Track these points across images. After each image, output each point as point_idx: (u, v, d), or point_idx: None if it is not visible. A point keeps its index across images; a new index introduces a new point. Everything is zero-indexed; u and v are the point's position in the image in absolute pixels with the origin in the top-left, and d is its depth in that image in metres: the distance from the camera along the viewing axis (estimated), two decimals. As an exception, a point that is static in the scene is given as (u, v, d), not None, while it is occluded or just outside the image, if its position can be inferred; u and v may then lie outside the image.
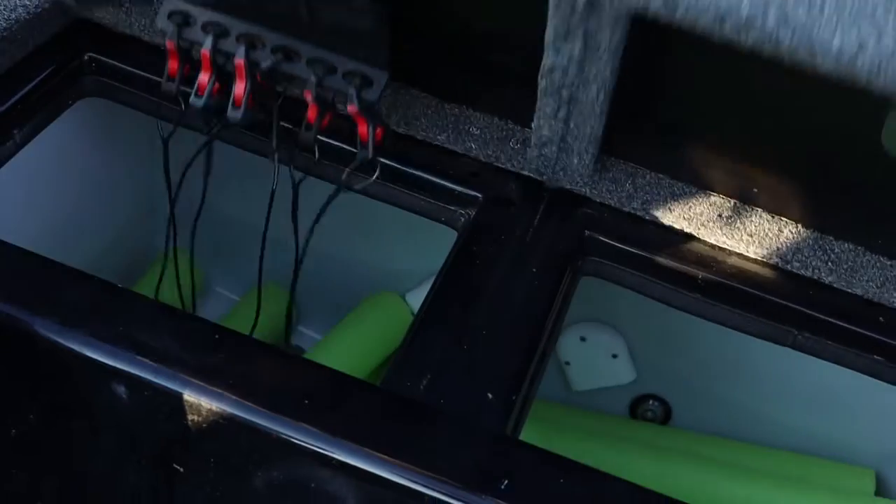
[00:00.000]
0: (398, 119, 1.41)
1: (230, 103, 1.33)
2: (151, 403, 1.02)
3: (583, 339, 1.73)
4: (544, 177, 1.39)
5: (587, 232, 1.37)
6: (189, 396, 1.00)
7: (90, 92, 1.45)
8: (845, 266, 1.36)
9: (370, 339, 1.75)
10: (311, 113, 1.34)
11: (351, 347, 1.73)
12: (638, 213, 1.40)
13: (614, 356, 1.74)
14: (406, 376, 1.14)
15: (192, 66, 1.35)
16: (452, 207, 1.38)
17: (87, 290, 1.10)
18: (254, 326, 1.63)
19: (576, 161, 1.35)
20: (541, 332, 1.23)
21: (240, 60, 1.30)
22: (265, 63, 1.32)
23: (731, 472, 1.67)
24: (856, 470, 1.69)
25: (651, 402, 1.79)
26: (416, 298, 1.79)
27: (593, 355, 1.74)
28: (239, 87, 1.31)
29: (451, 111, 1.45)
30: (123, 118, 1.52)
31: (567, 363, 1.76)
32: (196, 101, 1.33)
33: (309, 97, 1.33)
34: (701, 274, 1.36)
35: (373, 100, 1.31)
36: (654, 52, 1.28)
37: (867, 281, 1.34)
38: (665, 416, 1.80)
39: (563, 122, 1.31)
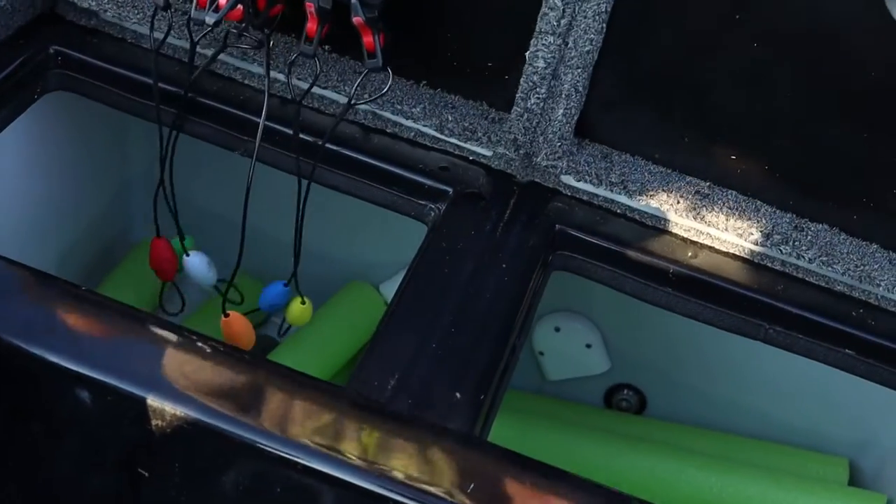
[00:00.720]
0: (371, 100, 1.39)
1: (212, 6, 1.27)
2: (115, 409, 1.02)
3: (557, 329, 1.73)
4: (521, 150, 1.37)
5: (557, 226, 1.37)
6: (153, 401, 1.00)
7: (56, 86, 1.43)
8: (820, 250, 1.35)
9: (344, 330, 1.74)
10: (311, 25, 1.30)
11: (324, 339, 1.72)
12: (608, 206, 1.39)
13: (588, 346, 1.74)
14: (373, 376, 1.13)
15: None
16: (422, 202, 1.38)
17: (49, 293, 1.09)
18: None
19: (560, 114, 1.33)
20: (510, 329, 1.22)
21: None
22: None
23: (704, 461, 1.67)
24: (829, 459, 1.69)
25: (626, 391, 1.79)
26: (390, 289, 1.78)
27: (567, 345, 1.74)
28: None
29: (426, 91, 1.43)
30: (92, 111, 1.50)
31: (541, 353, 1.76)
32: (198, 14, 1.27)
33: (311, 8, 1.28)
34: (672, 268, 1.36)
35: (376, 7, 1.27)
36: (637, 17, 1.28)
37: (842, 272, 1.34)
38: (640, 406, 1.80)
39: (552, 69, 1.30)
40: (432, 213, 1.37)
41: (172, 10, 1.38)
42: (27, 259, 1.61)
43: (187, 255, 1.47)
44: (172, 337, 1.07)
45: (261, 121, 1.32)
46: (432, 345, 1.18)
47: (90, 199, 1.72)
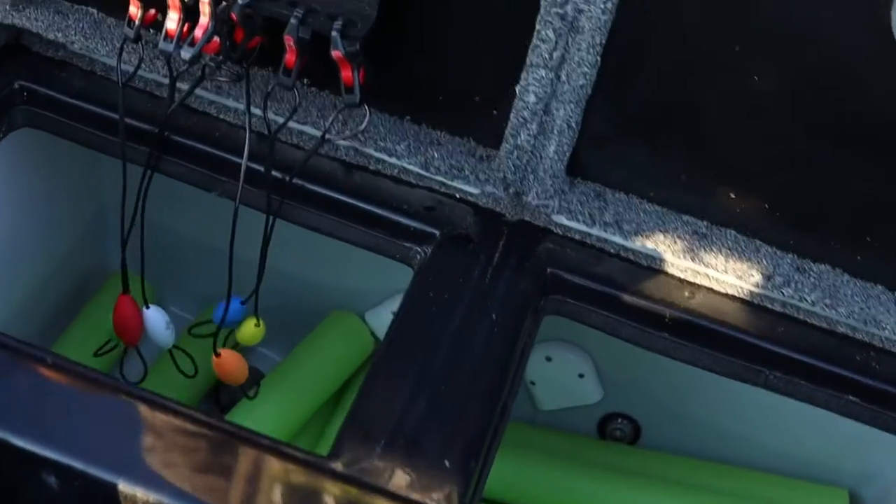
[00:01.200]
0: (350, 136, 1.33)
1: (188, 41, 1.22)
2: (84, 494, 0.96)
3: (548, 358, 1.67)
4: (511, 189, 1.31)
5: (549, 269, 1.31)
6: (124, 487, 0.94)
7: (22, 123, 1.37)
8: (824, 292, 1.29)
9: (328, 364, 1.69)
10: (290, 57, 1.24)
11: (308, 373, 1.67)
12: (601, 246, 1.33)
13: (581, 376, 1.68)
14: (357, 444, 1.08)
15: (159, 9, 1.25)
16: (407, 244, 1.32)
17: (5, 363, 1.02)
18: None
19: (552, 152, 1.27)
20: (501, 387, 1.17)
21: None
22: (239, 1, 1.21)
23: (701, 496, 1.63)
24: (829, 490, 1.65)
25: (620, 420, 1.74)
26: (376, 318, 1.73)
27: (559, 375, 1.69)
28: (201, 27, 1.21)
29: (410, 127, 1.37)
30: (63, 144, 1.43)
31: (532, 383, 1.71)
32: (166, 46, 1.23)
33: (290, 41, 1.22)
34: (668, 312, 1.30)
35: (357, 40, 1.21)
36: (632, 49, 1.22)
37: (847, 315, 1.28)
38: (634, 435, 1.75)
39: (544, 104, 1.24)
40: (418, 257, 1.31)
41: (144, 41, 1.31)
42: (-2, 294, 1.56)
43: (147, 307, 1.40)
44: (143, 410, 1.01)
45: (243, 161, 1.26)
46: (419, 407, 1.13)
47: (64, 230, 1.65)
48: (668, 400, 1.69)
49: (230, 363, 1.41)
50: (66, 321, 1.71)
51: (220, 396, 1.74)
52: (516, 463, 1.63)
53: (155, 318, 1.43)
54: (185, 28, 1.23)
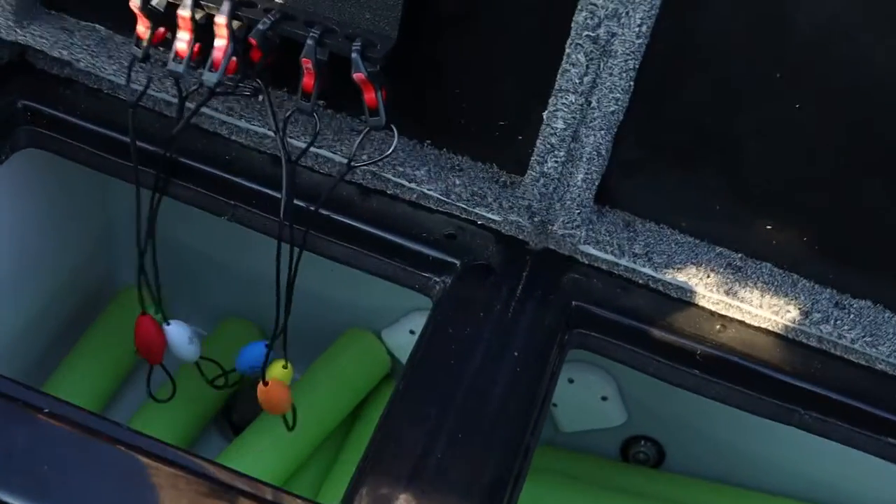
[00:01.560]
0: (368, 159, 1.27)
1: (208, 65, 1.16)
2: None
3: (570, 380, 1.62)
4: (536, 218, 1.26)
5: (574, 302, 1.25)
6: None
7: (26, 143, 1.31)
8: (864, 329, 1.23)
9: (344, 385, 1.64)
10: (308, 80, 1.17)
11: (323, 394, 1.62)
12: (630, 276, 1.27)
13: (604, 398, 1.63)
14: (371, 492, 1.02)
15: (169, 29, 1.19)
16: (427, 275, 1.26)
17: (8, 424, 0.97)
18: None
19: (580, 180, 1.21)
20: (524, 433, 1.11)
21: (221, 18, 1.14)
22: (258, 24, 1.16)
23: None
24: (860, 520, 1.60)
25: (643, 443, 1.69)
26: (393, 336, 1.67)
27: (582, 397, 1.63)
28: (218, 49, 1.15)
29: (430, 152, 1.31)
30: (68, 163, 1.38)
31: (554, 405, 1.66)
32: (175, 66, 1.17)
33: (308, 64, 1.16)
34: (699, 349, 1.24)
35: (378, 61, 1.15)
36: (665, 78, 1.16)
37: (888, 354, 1.22)
38: (658, 458, 1.70)
39: (573, 131, 1.18)
40: (437, 287, 1.25)
41: (152, 60, 1.25)
42: (4, 313, 1.51)
43: (168, 323, 1.35)
44: (144, 461, 0.96)
45: (283, 195, 1.19)
46: (436, 455, 1.07)
47: (71, 247, 1.60)
48: (693, 423, 1.63)
49: (277, 394, 1.34)
50: (75, 337, 1.66)
51: (233, 415, 1.69)
52: (534, 487, 1.58)
53: (178, 334, 1.37)
54: (196, 48, 1.17)
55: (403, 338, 1.65)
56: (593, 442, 1.70)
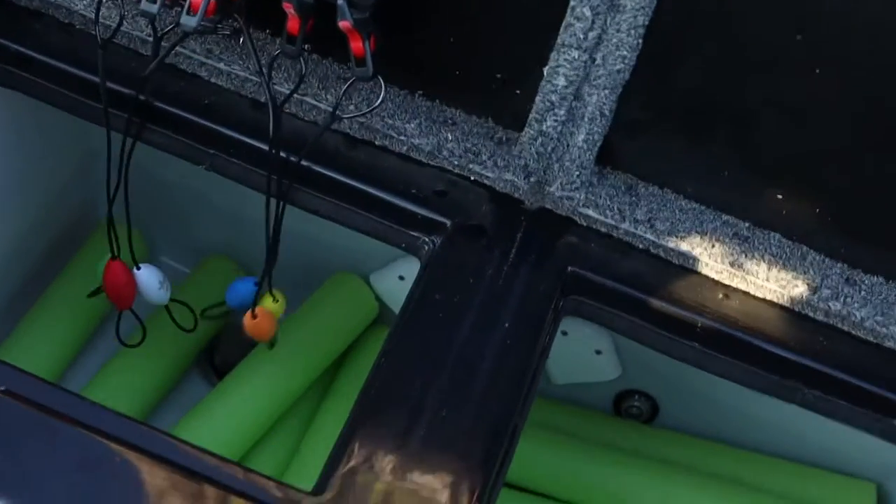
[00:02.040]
0: (356, 109, 1.19)
1: (185, 9, 1.09)
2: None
3: (564, 333, 1.55)
4: (532, 178, 1.19)
5: (570, 268, 1.19)
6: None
7: (-9, 81, 1.23)
8: (875, 308, 1.17)
9: (330, 329, 1.58)
10: (293, 24, 1.11)
11: (309, 339, 1.56)
12: (629, 240, 1.21)
13: (598, 352, 1.57)
14: (349, 478, 0.97)
15: None
16: (415, 234, 1.19)
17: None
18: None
19: (580, 140, 1.14)
20: (512, 410, 1.06)
21: None
22: None
23: (719, 485, 1.53)
24: (856, 483, 1.55)
25: (637, 397, 1.64)
26: (381, 280, 1.61)
27: (575, 351, 1.58)
28: None
29: (422, 103, 1.24)
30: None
31: (547, 357, 1.60)
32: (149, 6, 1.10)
33: (290, 9, 1.10)
34: (700, 321, 1.18)
35: (367, 7, 1.09)
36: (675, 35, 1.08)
37: (897, 327, 1.17)
38: (651, 413, 1.65)
39: (575, 88, 1.11)
40: (426, 248, 1.18)
41: None
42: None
43: (138, 268, 1.29)
44: (103, 443, 0.90)
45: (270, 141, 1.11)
46: (420, 431, 1.02)
47: (48, 177, 1.52)
48: (688, 379, 1.57)
49: (267, 324, 1.29)
50: (56, 270, 1.60)
51: (215, 357, 1.64)
52: (524, 444, 1.53)
53: (148, 279, 1.31)
54: None
55: (392, 283, 1.58)
56: (586, 394, 1.65)
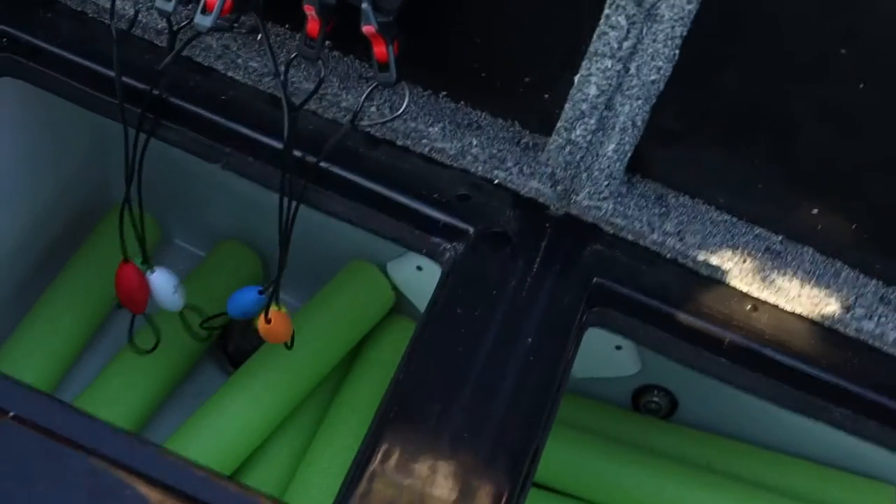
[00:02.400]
0: (377, 111, 1.15)
1: (199, 8, 1.06)
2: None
3: (585, 327, 1.53)
4: (559, 187, 1.15)
5: (595, 279, 1.15)
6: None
7: (3, 72, 1.19)
8: None
9: (346, 319, 1.55)
10: (312, 26, 1.08)
11: (323, 330, 1.53)
12: (657, 249, 1.17)
13: (618, 347, 1.54)
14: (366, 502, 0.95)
15: None
16: (437, 240, 1.15)
17: None
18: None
19: (610, 150, 1.10)
20: (535, 432, 1.03)
21: None
22: None
23: (735, 485, 1.51)
24: (874, 485, 1.53)
25: (656, 392, 1.61)
26: (398, 269, 1.58)
27: (595, 345, 1.52)
28: None
29: (447, 105, 1.19)
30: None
31: (566, 350, 1.57)
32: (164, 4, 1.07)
33: (311, 11, 1.06)
34: (728, 335, 1.14)
35: (391, 11, 1.05)
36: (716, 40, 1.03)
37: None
38: (670, 408, 1.62)
39: (607, 98, 1.07)
40: (447, 254, 1.15)
41: None
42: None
43: (151, 271, 1.25)
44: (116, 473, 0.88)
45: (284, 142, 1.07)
46: (439, 457, 0.99)
47: (62, 160, 1.49)
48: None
49: (283, 327, 1.25)
50: (69, 253, 1.57)
51: (228, 346, 1.61)
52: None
53: (162, 284, 1.27)
54: None
55: (410, 273, 1.55)
56: (605, 389, 1.62)
